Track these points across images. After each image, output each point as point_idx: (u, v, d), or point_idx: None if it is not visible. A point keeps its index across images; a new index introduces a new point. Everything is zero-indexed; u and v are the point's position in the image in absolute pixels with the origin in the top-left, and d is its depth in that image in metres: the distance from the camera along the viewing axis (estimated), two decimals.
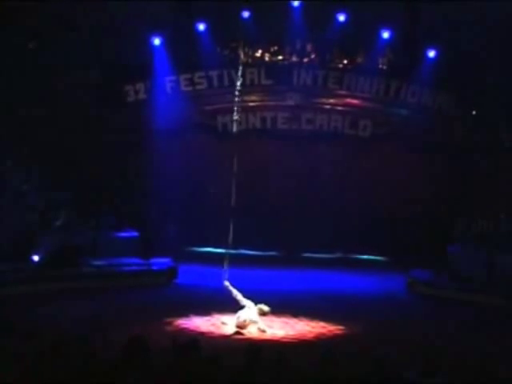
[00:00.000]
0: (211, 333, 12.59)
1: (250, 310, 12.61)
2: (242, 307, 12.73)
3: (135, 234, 18.71)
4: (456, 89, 20.38)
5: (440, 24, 19.76)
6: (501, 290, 16.14)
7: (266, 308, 12.66)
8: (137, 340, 6.59)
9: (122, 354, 6.41)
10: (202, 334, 12.39)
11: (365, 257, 21.05)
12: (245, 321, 12.57)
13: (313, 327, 13.26)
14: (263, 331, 12.46)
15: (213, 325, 13.11)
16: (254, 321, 12.54)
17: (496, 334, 13.20)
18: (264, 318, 12.69)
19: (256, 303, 12.68)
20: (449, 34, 19.62)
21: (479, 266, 16.85)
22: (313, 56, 20.90)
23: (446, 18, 19.56)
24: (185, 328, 12.89)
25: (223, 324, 13.04)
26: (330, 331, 13.08)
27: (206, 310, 14.02)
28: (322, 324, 13.45)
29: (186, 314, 13.77)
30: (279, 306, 13.69)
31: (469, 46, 19.43)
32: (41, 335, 8.62)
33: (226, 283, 12.94)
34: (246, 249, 19.65)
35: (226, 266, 13.11)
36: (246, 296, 12.82)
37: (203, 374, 6.25)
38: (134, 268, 17.73)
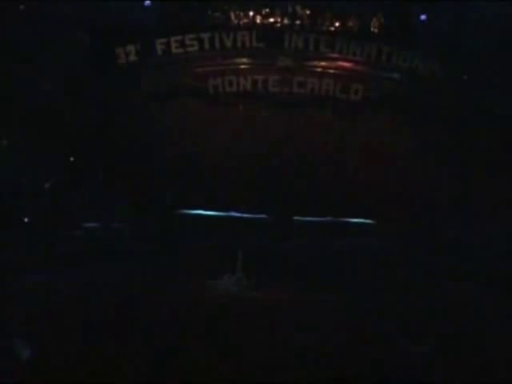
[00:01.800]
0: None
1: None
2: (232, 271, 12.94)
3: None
4: (449, 54, 20.32)
5: None
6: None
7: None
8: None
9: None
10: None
11: (354, 220, 21.19)
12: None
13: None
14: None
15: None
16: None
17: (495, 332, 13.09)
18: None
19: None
20: None
21: None
22: (304, 19, 20.78)
23: None
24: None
25: (213, 287, 13.20)
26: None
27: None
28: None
29: None
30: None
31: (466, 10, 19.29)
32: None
33: None
34: (235, 211, 19.86)
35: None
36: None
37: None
38: None
